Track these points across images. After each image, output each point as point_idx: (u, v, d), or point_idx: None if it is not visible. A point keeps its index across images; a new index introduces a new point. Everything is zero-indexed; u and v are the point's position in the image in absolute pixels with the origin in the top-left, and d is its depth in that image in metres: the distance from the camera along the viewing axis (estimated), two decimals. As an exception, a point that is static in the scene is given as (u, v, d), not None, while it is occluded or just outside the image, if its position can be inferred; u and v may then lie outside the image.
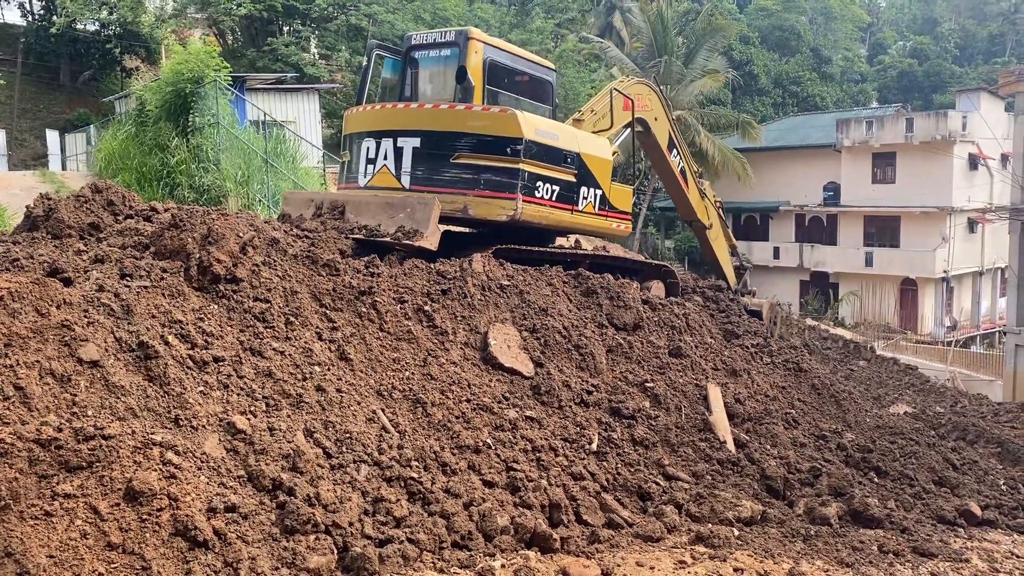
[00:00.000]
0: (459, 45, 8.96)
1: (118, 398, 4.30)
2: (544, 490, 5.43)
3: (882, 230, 37.36)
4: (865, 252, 37.02)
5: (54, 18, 34.14)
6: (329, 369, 5.61)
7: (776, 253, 39.81)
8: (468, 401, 6.08)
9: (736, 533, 5.58)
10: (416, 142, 8.84)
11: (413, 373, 6.13)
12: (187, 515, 3.81)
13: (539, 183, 8.90)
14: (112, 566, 3.59)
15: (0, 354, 4.05)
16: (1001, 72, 29.87)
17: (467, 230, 9.57)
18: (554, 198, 9.15)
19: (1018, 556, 5.92)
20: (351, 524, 4.43)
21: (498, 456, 5.62)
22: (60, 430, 3.84)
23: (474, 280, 7.45)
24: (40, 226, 6.35)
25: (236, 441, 4.57)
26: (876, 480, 7.19)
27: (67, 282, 4.97)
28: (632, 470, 6.23)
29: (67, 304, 4.57)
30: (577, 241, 11.12)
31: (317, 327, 6.05)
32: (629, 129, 11.66)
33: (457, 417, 5.86)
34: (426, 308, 6.86)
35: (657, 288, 10.61)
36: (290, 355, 5.51)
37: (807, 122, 43.30)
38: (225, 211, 6.97)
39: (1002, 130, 34.19)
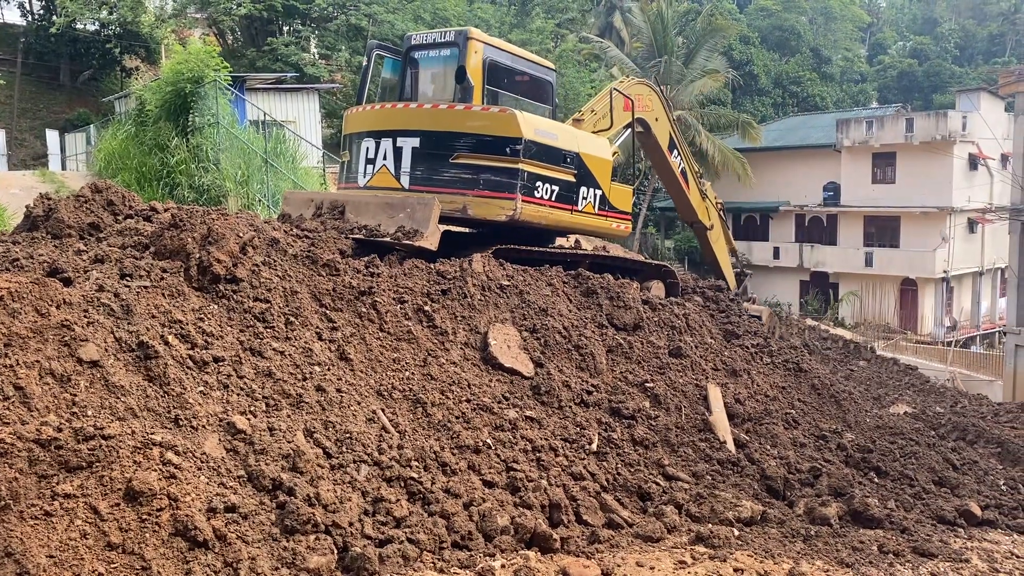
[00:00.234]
0: (459, 45, 8.95)
1: (118, 398, 4.30)
2: (544, 490, 5.43)
3: (882, 230, 37.37)
4: (865, 252, 37.02)
5: (54, 18, 34.12)
6: (329, 369, 5.61)
7: (776, 253, 39.82)
8: (468, 401, 6.08)
9: (736, 533, 5.58)
10: (415, 142, 8.84)
11: (413, 373, 6.13)
12: (187, 515, 3.81)
13: (538, 183, 8.89)
14: (112, 566, 3.59)
15: (0, 354, 4.05)
16: (1001, 72, 29.88)
17: (467, 230, 9.56)
18: (553, 198, 9.15)
19: (1018, 556, 5.92)
20: (351, 524, 4.43)
21: (498, 456, 5.62)
22: (60, 430, 3.84)
23: (474, 280, 7.44)
24: (40, 226, 6.35)
25: (236, 441, 4.57)
26: (876, 480, 7.19)
27: (67, 282, 4.97)
28: (632, 470, 6.23)
29: (67, 304, 4.57)
30: (577, 241, 11.11)
31: (317, 327, 6.04)
32: (629, 129, 11.66)
33: (457, 417, 5.86)
34: (426, 308, 6.86)
35: (657, 288, 10.61)
36: (290, 355, 5.51)
37: (807, 122, 43.32)
38: (225, 211, 6.97)
39: (1002, 130, 34.20)
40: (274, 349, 5.48)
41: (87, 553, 3.57)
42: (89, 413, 4.10)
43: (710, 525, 5.63)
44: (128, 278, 5.32)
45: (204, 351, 5.04)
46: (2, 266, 5.04)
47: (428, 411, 5.81)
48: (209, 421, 4.59)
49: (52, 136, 32.95)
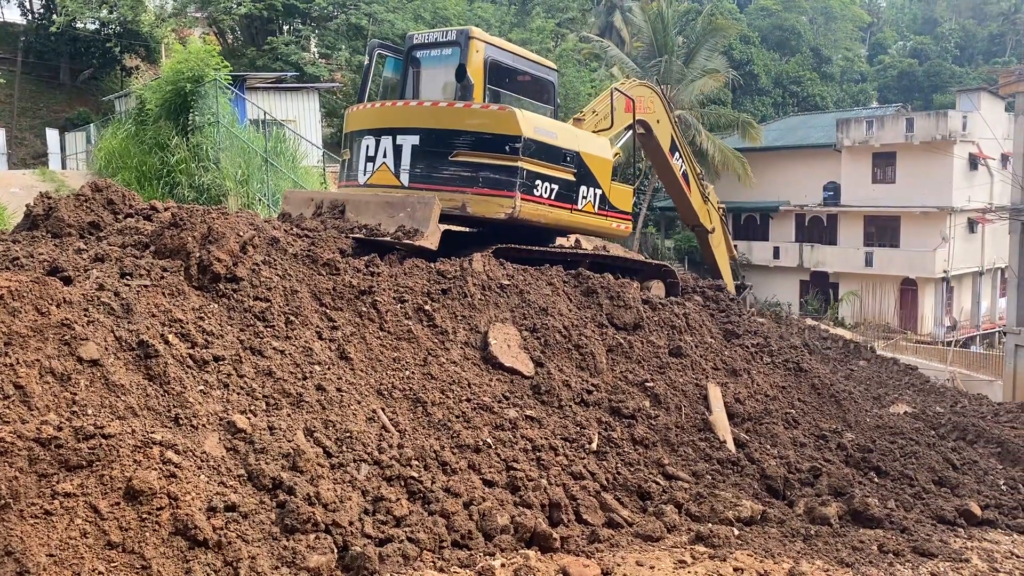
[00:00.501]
0: (460, 44, 8.95)
1: (118, 397, 4.30)
2: (544, 489, 5.43)
3: (882, 230, 37.37)
4: (865, 252, 37.02)
5: (54, 17, 34.11)
6: (329, 368, 5.61)
7: (776, 253, 39.82)
8: (468, 400, 6.08)
9: (736, 533, 5.58)
10: (415, 140, 8.83)
11: (413, 372, 6.12)
12: (187, 514, 3.81)
13: (538, 181, 8.89)
14: (112, 565, 3.59)
15: (0, 352, 4.05)
16: (1001, 72, 29.89)
17: (467, 229, 9.56)
18: (553, 197, 9.14)
19: (1018, 556, 5.92)
20: (351, 523, 4.43)
21: (498, 455, 5.62)
22: (60, 429, 3.84)
23: (474, 280, 7.44)
24: (40, 225, 6.36)
25: (236, 440, 4.57)
26: (876, 480, 7.20)
27: (67, 281, 4.97)
28: (632, 469, 6.23)
29: (67, 303, 4.57)
30: (577, 241, 11.11)
31: (317, 326, 6.04)
32: (630, 131, 11.64)
33: (457, 416, 5.86)
34: (426, 307, 6.86)
35: (657, 288, 10.61)
36: (290, 354, 5.51)
37: (807, 122, 43.32)
38: (225, 210, 6.97)
39: (1002, 130, 34.19)
40: (274, 348, 5.47)
41: (87, 552, 3.57)
42: (89, 412, 4.10)
43: (710, 524, 5.63)
44: (128, 277, 5.32)
45: (204, 350, 5.04)
46: (2, 265, 5.04)
47: (428, 410, 5.81)
48: (209, 420, 4.59)
49: (52, 135, 32.95)
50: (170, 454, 4.02)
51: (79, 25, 35.32)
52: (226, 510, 4.04)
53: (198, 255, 5.65)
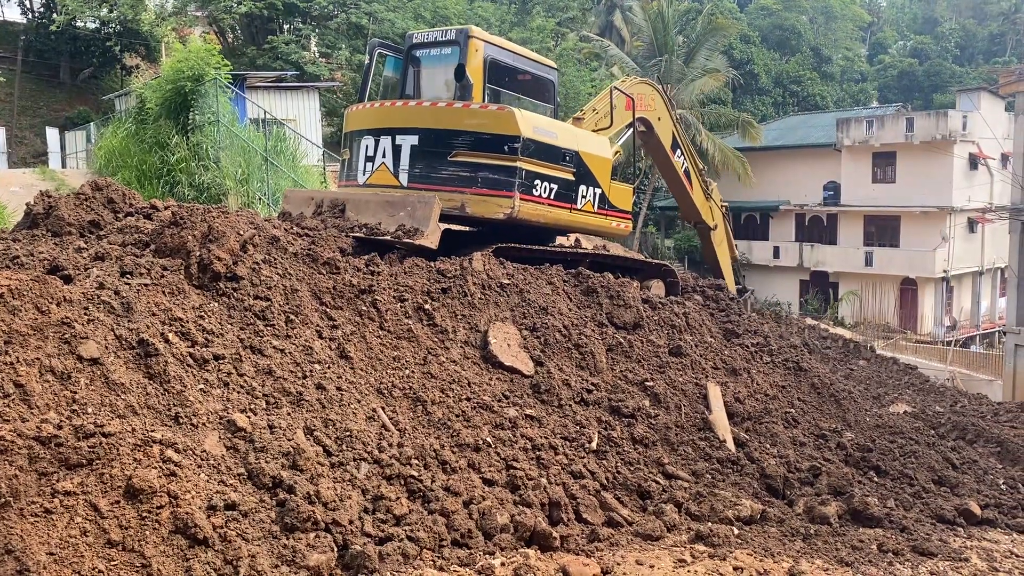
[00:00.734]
0: (459, 43, 8.95)
1: (118, 396, 4.30)
2: (544, 488, 5.43)
3: (882, 230, 37.38)
4: (865, 252, 37.03)
5: (54, 16, 34.12)
6: (329, 367, 5.61)
7: (776, 252, 39.83)
8: (468, 399, 6.08)
9: (736, 532, 5.58)
10: (414, 140, 8.84)
11: (413, 371, 6.13)
12: (187, 513, 3.81)
13: (537, 181, 8.89)
14: (112, 563, 3.59)
15: (0, 351, 4.05)
16: (1001, 72, 29.89)
17: (467, 229, 9.56)
18: (552, 196, 9.14)
19: (1017, 555, 5.92)
20: (351, 522, 4.43)
21: (498, 454, 5.62)
22: (60, 427, 3.84)
23: (474, 279, 7.44)
24: (40, 224, 6.36)
25: (236, 439, 4.58)
26: (876, 479, 7.20)
27: (67, 279, 4.97)
28: (632, 469, 6.23)
29: (67, 301, 4.57)
30: (577, 240, 11.11)
31: (317, 325, 6.05)
32: (631, 129, 11.64)
33: (457, 415, 5.86)
34: (426, 307, 6.86)
35: (657, 287, 10.61)
36: (290, 353, 5.51)
37: (807, 121, 43.31)
38: (225, 209, 6.97)
39: (1002, 130, 34.19)
40: (274, 347, 5.48)
41: (87, 550, 3.57)
42: (89, 410, 4.10)
43: (710, 524, 5.63)
44: (128, 276, 5.32)
45: (204, 349, 5.04)
46: (2, 263, 5.04)
47: (428, 409, 5.81)
48: (209, 419, 4.59)
49: (52, 134, 32.95)
50: (170, 453, 4.02)
51: (79, 24, 35.30)
52: (226, 509, 4.05)
53: (198, 254, 5.65)
